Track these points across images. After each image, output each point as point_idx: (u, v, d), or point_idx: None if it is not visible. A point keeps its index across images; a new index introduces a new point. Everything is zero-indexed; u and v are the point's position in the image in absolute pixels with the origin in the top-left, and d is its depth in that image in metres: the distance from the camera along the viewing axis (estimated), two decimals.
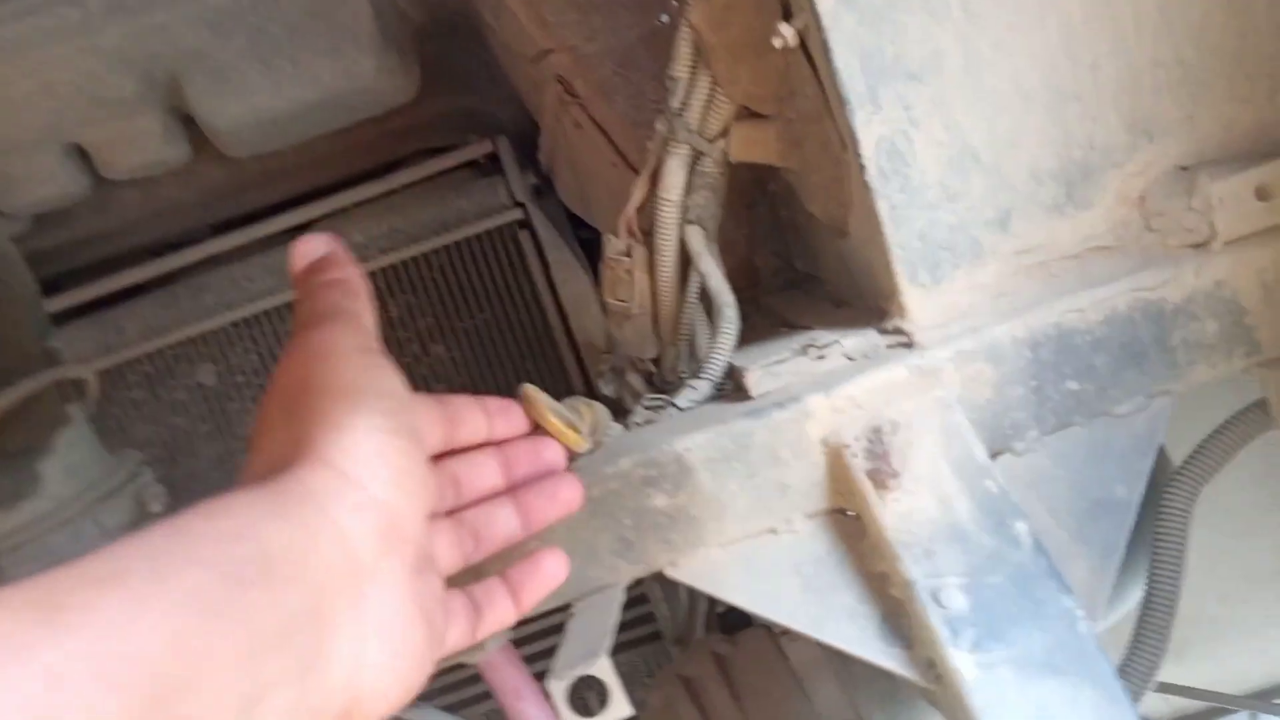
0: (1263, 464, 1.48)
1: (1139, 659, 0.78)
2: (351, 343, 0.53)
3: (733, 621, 1.39)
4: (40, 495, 0.89)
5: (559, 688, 0.61)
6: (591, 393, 1.67)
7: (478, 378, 1.72)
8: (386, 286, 1.68)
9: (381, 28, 1.36)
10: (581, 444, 0.68)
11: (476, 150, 1.68)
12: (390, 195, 1.68)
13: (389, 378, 0.54)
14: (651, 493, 0.71)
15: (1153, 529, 0.80)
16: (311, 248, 0.60)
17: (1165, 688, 1.49)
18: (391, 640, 0.47)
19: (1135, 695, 0.79)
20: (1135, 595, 0.85)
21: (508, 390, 1.71)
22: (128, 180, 1.55)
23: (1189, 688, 1.51)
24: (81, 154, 1.43)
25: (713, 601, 1.41)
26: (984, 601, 0.61)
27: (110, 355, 1.60)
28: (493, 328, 1.70)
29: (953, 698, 0.60)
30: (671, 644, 1.57)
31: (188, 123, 1.44)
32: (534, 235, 1.67)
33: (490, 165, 1.70)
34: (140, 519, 0.95)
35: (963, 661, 0.59)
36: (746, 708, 1.03)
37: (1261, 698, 1.73)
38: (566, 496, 0.64)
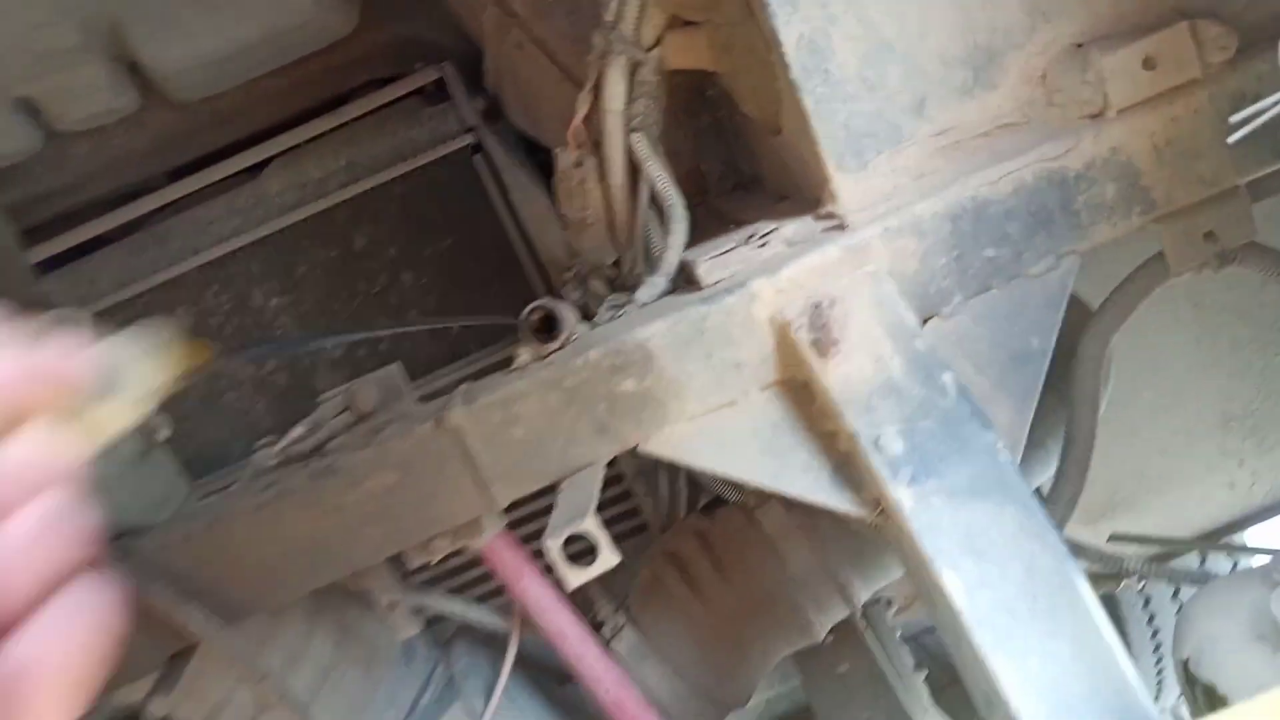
0: (1198, 327, 1.59)
1: (1062, 487, 0.88)
2: None
3: (712, 508, 1.49)
4: None
5: (554, 545, 0.69)
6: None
7: (447, 302, 1.77)
8: (349, 219, 1.72)
9: None
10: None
11: (423, 78, 1.70)
12: (342, 129, 1.70)
13: None
14: (620, 379, 0.79)
15: (1071, 374, 0.89)
16: None
17: (1116, 537, 1.62)
18: None
19: (1061, 521, 0.89)
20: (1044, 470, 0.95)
21: (473, 314, 1.76)
22: (81, 131, 1.57)
23: (1140, 535, 1.64)
24: (31, 108, 1.44)
25: (691, 491, 1.51)
26: (917, 444, 0.70)
27: (86, 307, 1.63)
28: (457, 251, 1.75)
29: (896, 528, 0.70)
30: (657, 534, 1.68)
31: (134, 70, 1.45)
32: (488, 158, 1.71)
33: (438, 92, 1.72)
34: (149, 447, 1.01)
35: (902, 494, 0.68)
36: (728, 574, 1.13)
37: (1208, 539, 1.86)
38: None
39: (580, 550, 0.72)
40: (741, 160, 1.19)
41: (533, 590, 1.00)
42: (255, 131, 1.75)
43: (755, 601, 1.15)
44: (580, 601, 1.07)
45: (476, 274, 1.77)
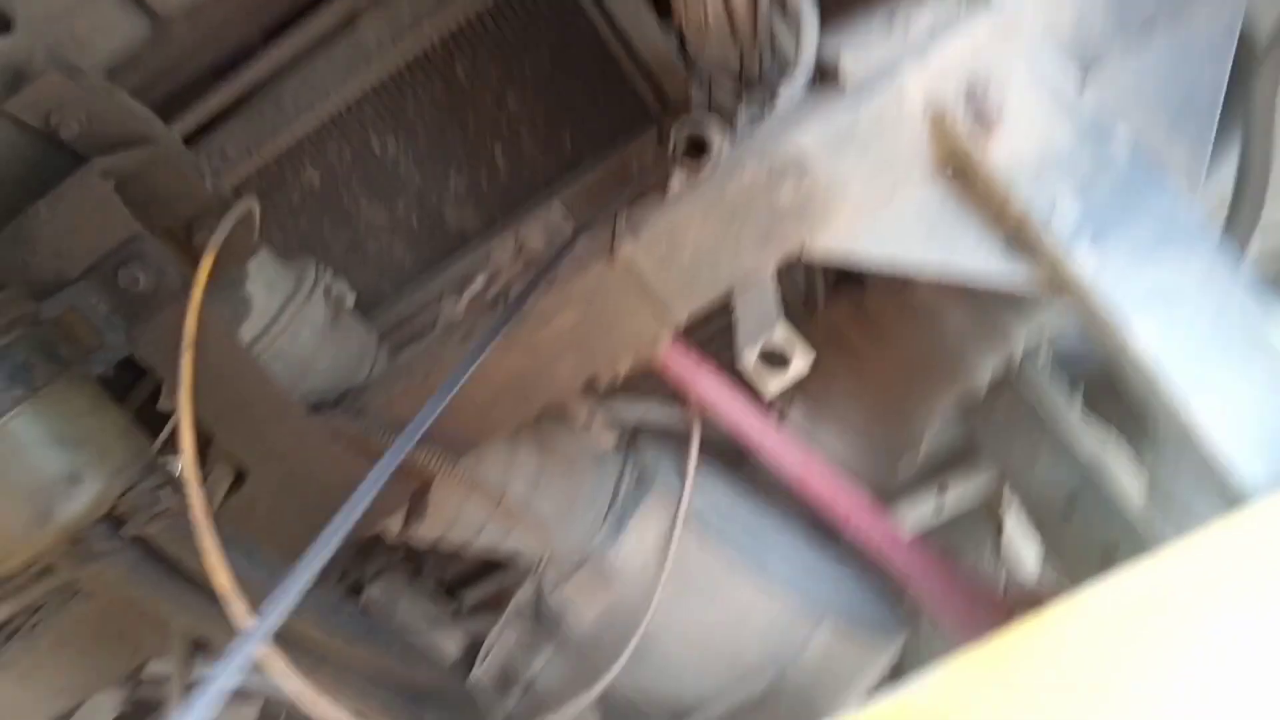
0: None
1: (1238, 215, 0.86)
2: None
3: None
4: (254, 312, 1.04)
5: (749, 356, 0.74)
6: (664, 107, 1.72)
7: (557, 116, 1.77)
8: (447, 53, 1.70)
9: None
10: None
11: None
12: None
13: None
14: (778, 189, 0.80)
15: (1245, 103, 0.85)
16: None
17: None
18: None
19: (1241, 245, 0.88)
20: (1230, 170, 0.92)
21: (589, 126, 1.75)
22: (179, 16, 1.58)
23: None
24: None
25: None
26: (1094, 206, 0.71)
27: (223, 180, 1.71)
28: (557, 66, 1.73)
29: (1079, 292, 0.71)
30: (799, 310, 1.72)
31: None
32: None
33: None
34: (338, 312, 1.10)
35: (1083, 259, 0.70)
36: (887, 340, 1.17)
37: None
38: None
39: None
40: None
41: (710, 385, 1.06)
42: None
43: (917, 361, 1.19)
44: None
45: (579, 85, 1.75)
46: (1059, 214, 0.71)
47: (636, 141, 1.74)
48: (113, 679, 1.05)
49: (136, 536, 0.78)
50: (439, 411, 0.72)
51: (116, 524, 0.77)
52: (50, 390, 0.72)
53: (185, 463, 0.74)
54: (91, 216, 0.80)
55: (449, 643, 1.36)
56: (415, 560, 1.97)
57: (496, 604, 1.94)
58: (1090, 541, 1.09)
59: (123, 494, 0.75)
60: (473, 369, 0.85)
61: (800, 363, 0.74)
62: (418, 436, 0.65)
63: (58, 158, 0.88)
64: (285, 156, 1.74)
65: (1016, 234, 0.76)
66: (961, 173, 0.78)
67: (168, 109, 1.78)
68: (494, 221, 1.82)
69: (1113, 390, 2.02)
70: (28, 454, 0.71)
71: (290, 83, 1.72)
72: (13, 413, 0.70)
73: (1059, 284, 0.74)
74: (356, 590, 1.63)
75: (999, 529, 1.61)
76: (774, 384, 0.75)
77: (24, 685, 1.03)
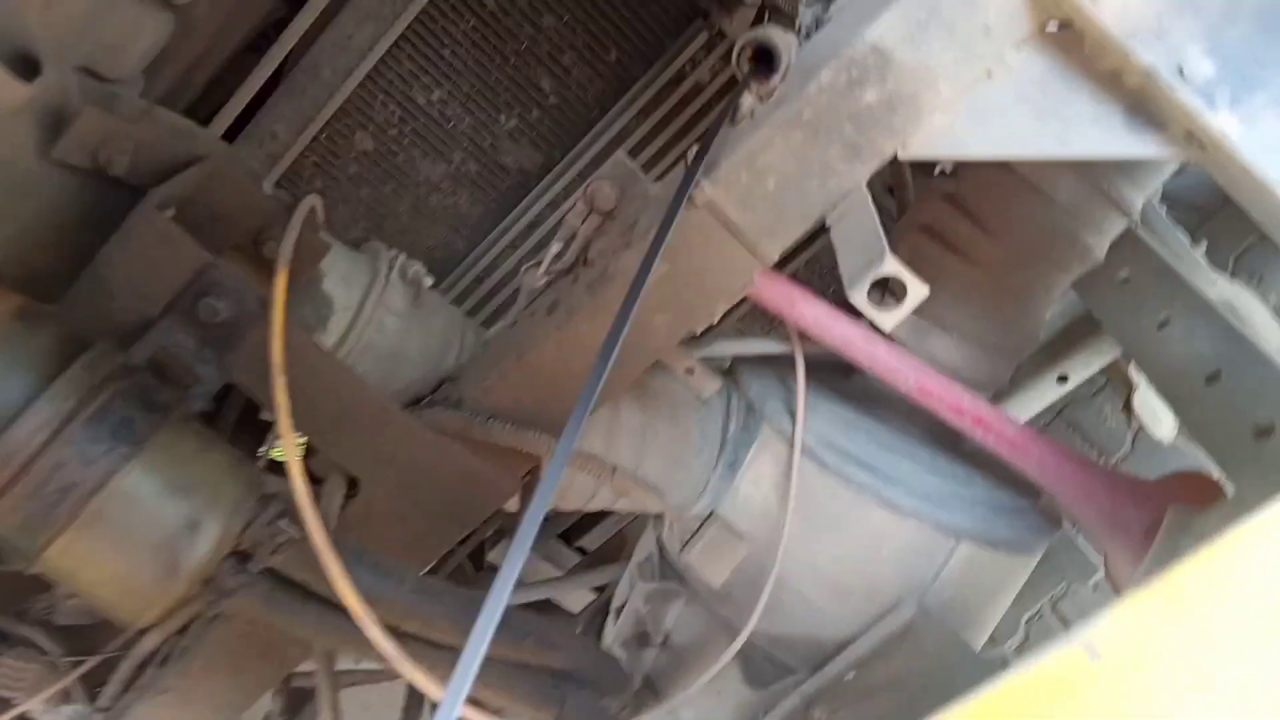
0: None
1: None
2: None
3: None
4: (337, 310, 1.03)
5: (859, 296, 0.68)
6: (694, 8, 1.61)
7: (598, 31, 1.68)
8: None
9: None
10: None
11: None
12: None
13: None
14: (861, 92, 0.73)
15: None
16: None
17: None
18: None
19: None
20: None
21: (632, 34, 1.66)
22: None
23: None
24: None
25: None
26: (1231, 57, 0.61)
27: (280, 162, 1.68)
28: None
29: (1223, 160, 0.63)
30: (883, 196, 1.63)
31: None
32: None
33: None
34: (417, 293, 1.07)
35: (1225, 123, 0.61)
36: (992, 229, 1.08)
37: None
38: None
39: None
40: None
41: (809, 310, 1.00)
42: None
43: (1028, 246, 1.10)
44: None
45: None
46: (1190, 73, 0.62)
47: (687, 43, 1.65)
48: (264, 691, 1.08)
49: (265, 569, 0.78)
50: (599, 389, 0.68)
51: (243, 558, 0.77)
52: (155, 441, 0.71)
53: (297, 495, 0.73)
54: (160, 253, 0.78)
55: (572, 600, 1.37)
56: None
57: (617, 550, 1.97)
58: (1239, 417, 1.00)
59: (243, 530, 0.75)
60: (563, 344, 0.82)
61: (917, 292, 0.68)
62: (581, 424, 0.61)
63: (114, 194, 0.86)
64: (334, 125, 1.71)
65: (1140, 100, 0.67)
66: (1067, 36, 0.69)
67: (210, 99, 1.76)
68: (554, 157, 1.77)
69: (1239, 231, 1.88)
70: (145, 509, 0.71)
71: (322, 46, 1.68)
72: (123, 471, 0.70)
73: (1198, 153, 0.65)
74: (478, 557, 1.66)
75: (1128, 397, 1.52)
76: (890, 319, 0.69)
77: (185, 708, 1.08)
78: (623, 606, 1.29)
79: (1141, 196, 1.12)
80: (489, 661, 0.89)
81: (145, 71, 1.65)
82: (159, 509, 0.71)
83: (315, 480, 0.92)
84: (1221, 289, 1.48)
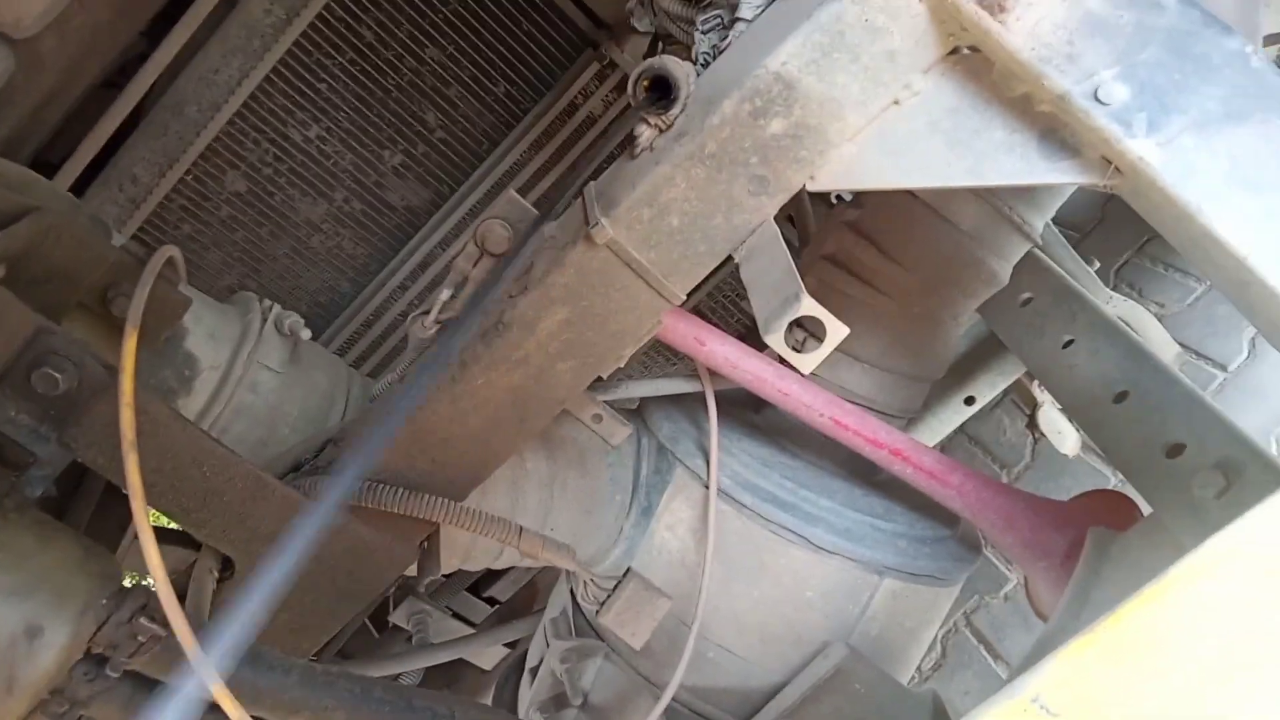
0: None
1: None
2: None
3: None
4: (203, 369, 0.93)
5: (775, 339, 0.63)
6: (597, 24, 1.57)
7: (485, 63, 1.62)
8: (349, 12, 1.54)
9: None
10: None
11: None
12: None
13: None
14: (765, 122, 0.69)
15: None
16: None
17: None
18: None
19: None
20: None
21: (521, 65, 1.59)
22: (42, 32, 1.41)
23: None
24: None
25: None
26: (1145, 81, 0.59)
27: (143, 206, 1.56)
28: (475, 7, 1.57)
29: (1142, 186, 0.60)
30: (781, 224, 1.61)
31: None
32: None
33: None
34: (295, 346, 0.98)
35: (1143, 149, 0.59)
36: (899, 256, 1.06)
37: None
38: None
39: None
40: None
41: (719, 348, 0.96)
42: None
43: (934, 273, 1.08)
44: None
45: (502, 19, 1.59)
46: (1105, 97, 0.59)
47: (578, 73, 1.60)
48: None
49: (126, 671, 0.68)
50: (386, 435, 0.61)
51: (99, 661, 0.67)
52: None
53: (159, 590, 0.63)
54: None
55: (485, 658, 1.29)
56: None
57: (529, 601, 1.88)
58: (1150, 436, 0.99)
59: (96, 631, 0.65)
60: (458, 400, 0.75)
61: (836, 333, 0.63)
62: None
63: None
64: (202, 165, 1.60)
65: (1053, 127, 0.65)
66: (976, 61, 0.67)
67: (62, 141, 1.63)
68: (443, 193, 1.69)
69: (1116, 246, 1.93)
70: None
71: (186, 81, 1.57)
72: None
73: (1115, 179, 0.63)
74: (379, 618, 1.56)
75: (1033, 414, 1.53)
76: (809, 362, 0.65)
77: None
78: (537, 667, 1.21)
79: (1042, 219, 1.12)
80: None
81: None
82: None
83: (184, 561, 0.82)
84: (1117, 305, 1.50)
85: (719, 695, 1.07)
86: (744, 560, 1.04)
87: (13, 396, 0.70)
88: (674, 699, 1.08)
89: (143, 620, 0.66)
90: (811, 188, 0.72)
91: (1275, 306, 0.57)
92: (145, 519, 0.66)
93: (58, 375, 0.69)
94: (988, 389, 1.58)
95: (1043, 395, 1.53)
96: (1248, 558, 0.56)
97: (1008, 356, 1.58)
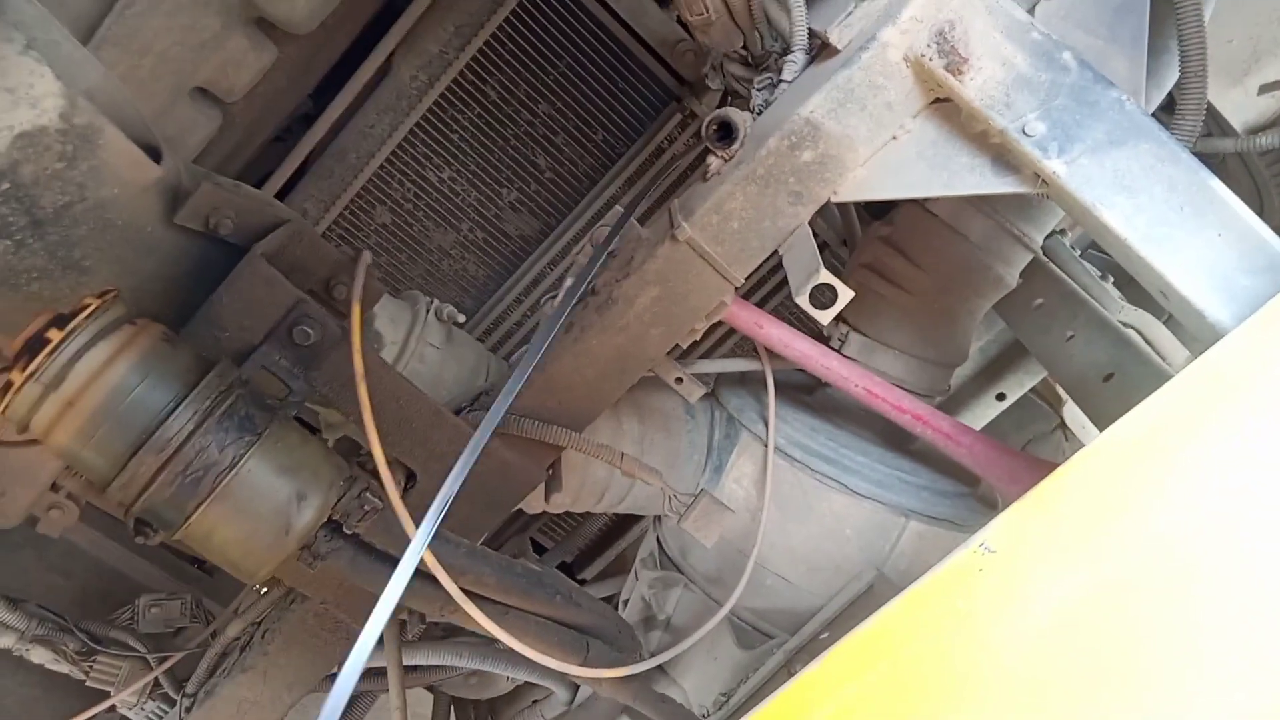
0: None
1: (1185, 107, 0.99)
2: None
3: (877, 207, 1.66)
4: (387, 344, 1.24)
5: (802, 299, 0.91)
6: (681, 82, 1.88)
7: (586, 115, 1.94)
8: (476, 77, 1.88)
9: None
10: None
11: None
12: (436, 1, 1.83)
13: None
14: (799, 153, 0.97)
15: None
16: None
17: (1265, 88, 1.67)
18: None
19: (1189, 136, 1.01)
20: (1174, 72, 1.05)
21: (616, 117, 1.90)
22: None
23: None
24: (206, 94, 1.67)
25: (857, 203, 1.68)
26: (1056, 121, 0.86)
27: None
28: (577, 68, 1.90)
29: (1059, 192, 0.87)
30: (839, 246, 1.88)
31: (265, 25, 1.64)
32: None
33: None
34: (450, 330, 1.29)
35: (1056, 166, 0.85)
36: (920, 262, 1.32)
37: None
38: None
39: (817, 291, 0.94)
40: None
41: (774, 331, 1.24)
42: (362, 32, 1.92)
43: (950, 276, 1.35)
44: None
45: (601, 81, 1.92)
46: (1030, 131, 0.86)
47: (664, 123, 1.91)
48: (334, 664, 1.27)
49: (352, 534, 0.98)
50: (523, 381, 0.90)
51: (335, 527, 0.98)
52: (270, 432, 0.93)
53: (380, 469, 0.94)
54: (263, 292, 1.00)
55: None
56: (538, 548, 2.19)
57: (617, 572, 2.17)
58: (1129, 405, 1.23)
59: (338, 502, 0.96)
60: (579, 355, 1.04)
61: (844, 296, 0.91)
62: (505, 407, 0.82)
63: (215, 250, 1.08)
64: (357, 202, 1.96)
65: (1001, 153, 0.92)
66: (949, 108, 0.94)
67: (244, 182, 2.00)
68: (551, 223, 2.02)
69: None
70: (265, 484, 0.92)
71: (346, 134, 1.93)
72: (249, 454, 0.91)
73: (1044, 188, 0.89)
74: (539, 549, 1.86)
75: (1060, 409, 1.76)
76: (826, 317, 0.92)
77: (264, 683, 1.26)
78: (628, 600, 1.49)
79: (1040, 233, 1.37)
80: (527, 614, 1.10)
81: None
82: (274, 484, 0.92)
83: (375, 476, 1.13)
84: (1128, 314, 1.73)
85: (775, 615, 1.33)
86: (795, 504, 1.30)
87: (277, 346, 1.01)
88: (739, 618, 1.35)
89: (368, 494, 0.96)
90: (835, 200, 0.99)
91: (1149, 271, 0.83)
92: (373, 428, 0.97)
93: (310, 331, 1.01)
94: (1017, 387, 1.82)
95: (1064, 394, 1.76)
96: (1131, 444, 0.81)
97: (1033, 358, 1.81)
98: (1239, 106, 1.66)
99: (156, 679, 1.34)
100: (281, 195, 1.98)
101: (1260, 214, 0.81)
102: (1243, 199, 0.82)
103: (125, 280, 1.05)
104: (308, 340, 1.01)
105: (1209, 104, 1.52)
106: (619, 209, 1.08)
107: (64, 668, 1.35)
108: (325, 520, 0.96)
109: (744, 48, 1.22)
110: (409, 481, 1.11)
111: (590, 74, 1.92)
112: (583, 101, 1.95)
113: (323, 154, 1.94)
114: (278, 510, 0.92)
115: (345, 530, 0.97)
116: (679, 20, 1.27)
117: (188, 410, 0.89)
